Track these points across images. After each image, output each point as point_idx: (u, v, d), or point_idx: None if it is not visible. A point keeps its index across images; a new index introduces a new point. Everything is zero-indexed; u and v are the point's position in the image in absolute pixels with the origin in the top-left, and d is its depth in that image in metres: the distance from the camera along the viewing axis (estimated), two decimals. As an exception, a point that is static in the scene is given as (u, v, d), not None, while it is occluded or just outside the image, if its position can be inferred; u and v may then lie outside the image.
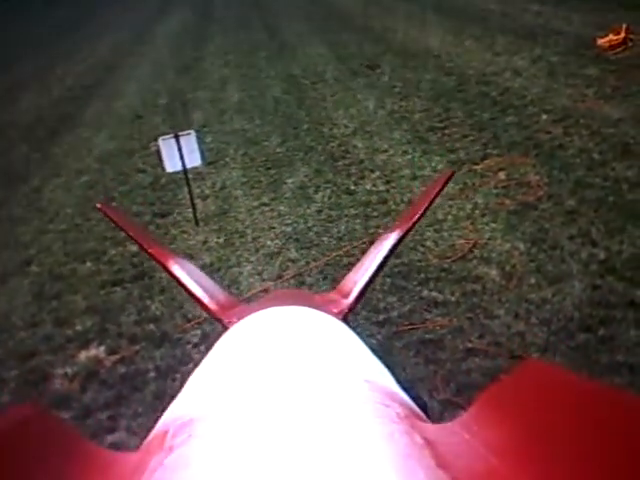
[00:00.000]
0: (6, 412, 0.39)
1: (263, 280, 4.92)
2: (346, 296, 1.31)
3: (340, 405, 0.41)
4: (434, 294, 4.46)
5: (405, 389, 0.88)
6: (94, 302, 4.93)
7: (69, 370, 4.23)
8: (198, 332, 4.41)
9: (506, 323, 4.05)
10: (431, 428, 0.43)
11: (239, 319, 0.67)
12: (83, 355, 4.38)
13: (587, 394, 0.38)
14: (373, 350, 3.40)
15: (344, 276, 4.79)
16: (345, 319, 0.98)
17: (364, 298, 4.02)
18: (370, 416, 0.40)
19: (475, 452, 0.36)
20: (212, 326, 4.41)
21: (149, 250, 0.90)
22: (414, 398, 0.82)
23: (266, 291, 4.76)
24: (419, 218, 1.00)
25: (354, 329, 1.04)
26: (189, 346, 4.29)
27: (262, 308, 0.67)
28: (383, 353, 3.83)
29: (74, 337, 4.56)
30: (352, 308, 1.28)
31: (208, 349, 3.85)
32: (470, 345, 3.91)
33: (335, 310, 1.21)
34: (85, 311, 4.84)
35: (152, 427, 2.68)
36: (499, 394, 0.44)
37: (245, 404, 0.42)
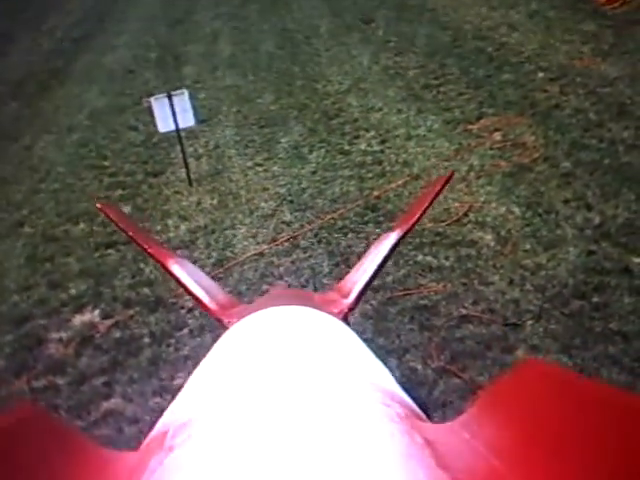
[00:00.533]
0: (6, 412, 0.37)
1: (257, 243, 4.89)
2: (346, 296, 1.29)
3: (340, 405, 0.40)
4: (429, 259, 4.44)
5: (405, 389, 0.87)
6: (88, 265, 4.90)
7: (64, 335, 4.21)
8: (192, 296, 4.39)
9: (500, 289, 4.04)
10: (431, 428, 0.42)
11: (239, 319, 0.65)
12: (77, 319, 4.36)
13: (587, 394, 0.36)
14: (368, 316, 3.36)
15: (338, 240, 4.81)
16: (345, 319, 0.95)
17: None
18: (370, 416, 0.39)
19: (475, 452, 0.35)
20: (206, 291, 4.39)
21: (149, 250, 0.87)
22: (414, 398, 0.80)
23: (261, 254, 4.74)
24: (419, 218, 0.97)
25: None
26: (183, 311, 4.27)
27: (262, 308, 0.65)
28: (378, 319, 3.83)
29: (68, 301, 4.54)
30: (352, 308, 1.25)
31: (202, 313, 3.82)
32: (464, 312, 3.90)
33: (335, 310, 1.17)
34: (79, 274, 4.81)
35: (147, 394, 2.65)
36: (499, 394, 0.43)
37: (245, 404, 0.41)
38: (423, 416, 0.50)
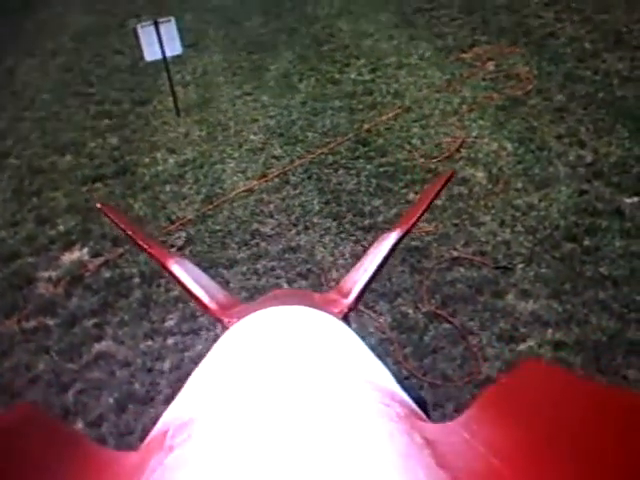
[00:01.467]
0: (6, 412, 0.37)
1: (247, 179, 4.77)
2: (346, 296, 1.24)
3: (340, 405, 0.39)
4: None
5: (405, 389, 0.81)
6: (76, 200, 4.77)
7: (53, 274, 4.14)
8: (182, 234, 4.31)
9: (491, 231, 3.97)
10: (431, 428, 0.40)
11: (239, 319, 0.61)
12: (66, 257, 4.28)
13: (586, 393, 0.35)
14: (359, 258, 3.28)
15: (329, 176, 4.70)
16: (345, 319, 0.90)
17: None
18: (370, 416, 0.38)
19: (475, 452, 0.34)
20: (196, 228, 4.31)
21: (149, 250, 0.83)
22: (414, 398, 0.75)
23: (250, 191, 4.63)
24: (419, 218, 0.93)
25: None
26: (174, 249, 4.19)
27: (262, 308, 0.61)
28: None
29: (57, 238, 4.44)
30: (352, 308, 1.24)
31: (192, 252, 3.74)
32: (455, 254, 3.84)
33: (335, 310, 1.15)
34: (67, 209, 4.69)
35: (138, 336, 2.58)
36: (499, 394, 0.41)
37: (245, 404, 0.39)
38: (423, 416, 0.47)
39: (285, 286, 3.77)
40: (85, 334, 3.63)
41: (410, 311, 3.49)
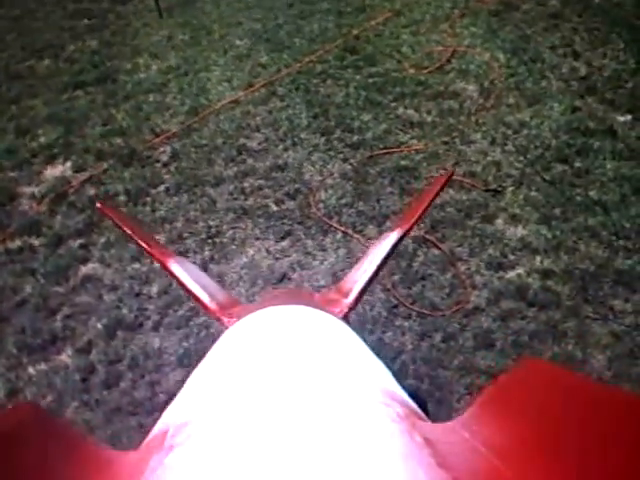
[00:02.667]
0: (6, 413, 0.42)
1: (233, 89, 4.52)
2: (346, 295, 1.22)
3: (340, 405, 0.38)
4: (410, 112, 4.15)
5: (404, 387, 0.80)
6: (56, 109, 4.51)
7: (36, 190, 3.95)
8: (167, 149, 4.11)
9: (482, 150, 3.81)
10: (431, 427, 0.40)
11: (239, 318, 0.58)
12: (49, 172, 4.08)
13: (586, 393, 0.34)
14: (348, 177, 3.15)
15: (317, 87, 4.47)
16: (345, 318, 0.86)
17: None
18: (371, 416, 0.37)
19: (475, 451, 0.33)
20: (181, 142, 4.12)
21: (149, 250, 0.78)
22: (414, 397, 0.75)
23: (236, 102, 4.40)
24: (419, 218, 0.89)
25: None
26: (158, 165, 4.01)
27: (262, 307, 0.59)
28: (357, 181, 3.63)
29: (38, 150, 4.22)
30: (352, 308, 1.21)
31: (178, 169, 3.58)
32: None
33: (335, 309, 1.12)
34: (47, 119, 4.44)
35: (125, 259, 2.48)
36: (498, 393, 0.42)
37: (245, 404, 0.38)
38: (423, 416, 0.46)
39: (273, 207, 3.63)
40: (71, 256, 3.51)
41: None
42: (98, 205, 1.02)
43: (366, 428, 0.35)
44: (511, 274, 3.14)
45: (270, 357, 0.48)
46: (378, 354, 2.50)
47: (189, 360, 2.92)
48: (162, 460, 0.34)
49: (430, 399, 2.63)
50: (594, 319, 2.90)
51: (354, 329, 2.73)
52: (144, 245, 0.83)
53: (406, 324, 2.96)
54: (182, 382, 2.42)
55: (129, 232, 0.86)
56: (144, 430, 2.67)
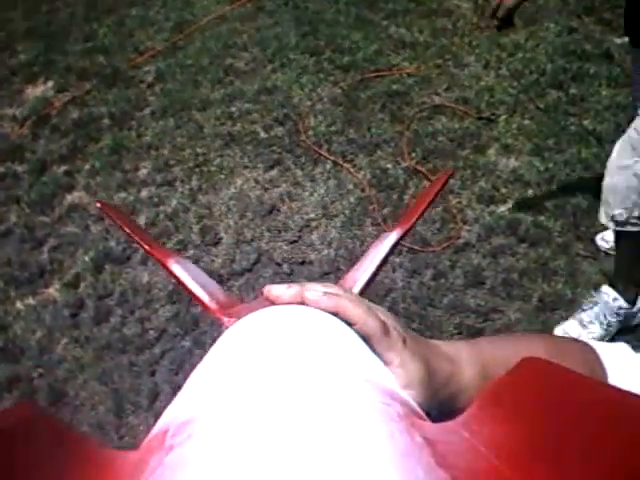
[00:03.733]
0: (5, 411, 0.31)
1: (218, 2, 4.20)
2: None
3: (340, 404, 0.33)
4: (402, 31, 3.87)
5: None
6: (35, 23, 4.20)
7: (17, 111, 3.71)
8: (151, 68, 3.84)
9: (476, 74, 3.58)
10: (431, 427, 0.35)
11: (239, 318, 0.54)
12: (30, 92, 3.82)
13: (588, 393, 0.30)
14: (338, 102, 2.96)
15: (306, 1, 4.16)
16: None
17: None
18: (370, 415, 0.33)
19: (475, 451, 0.29)
20: (166, 62, 3.85)
21: (149, 250, 0.74)
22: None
23: (222, 18, 4.10)
24: (419, 217, 0.81)
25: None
26: (143, 86, 3.75)
27: (262, 307, 0.54)
28: (348, 106, 3.42)
29: (18, 68, 3.95)
30: None
31: (163, 91, 3.35)
32: (437, 100, 3.48)
33: None
34: (27, 34, 4.14)
35: (111, 187, 2.33)
36: (499, 393, 0.36)
37: (245, 403, 0.34)
38: (423, 415, 0.40)
39: (261, 133, 3.43)
40: (56, 183, 3.32)
41: (390, 166, 3.21)
42: (98, 205, 0.95)
43: (365, 427, 0.31)
44: (502, 209, 3.00)
45: (270, 357, 0.43)
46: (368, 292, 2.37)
47: (179, 296, 2.80)
48: (162, 460, 0.30)
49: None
50: (584, 257, 2.78)
51: (344, 266, 2.61)
52: (144, 245, 0.78)
53: (396, 260, 2.84)
54: (172, 319, 2.28)
55: (130, 233, 0.79)
56: (134, 369, 2.58)
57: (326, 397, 0.34)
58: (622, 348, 0.64)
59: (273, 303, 0.52)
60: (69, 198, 3.26)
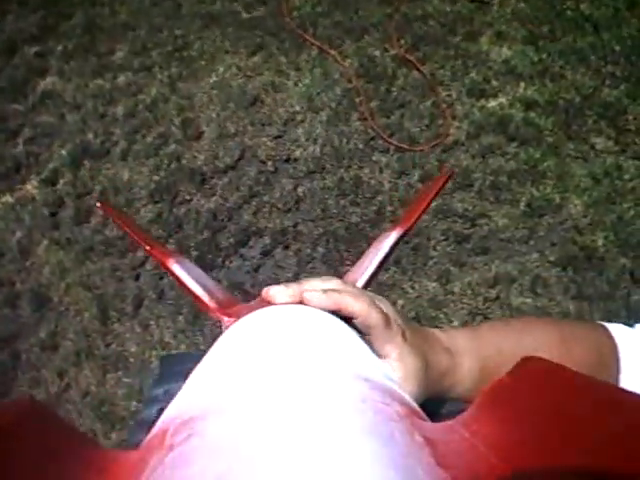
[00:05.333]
0: (3, 407, 0.28)
1: None
2: None
3: (340, 404, 0.31)
4: None
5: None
6: None
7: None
8: None
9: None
10: (431, 427, 0.32)
11: (239, 318, 0.52)
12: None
13: (589, 393, 0.28)
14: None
15: None
16: (345, 318, 0.71)
17: None
18: (370, 415, 0.30)
19: (476, 451, 0.28)
20: None
21: (150, 250, 0.63)
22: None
23: None
24: (419, 217, 0.71)
25: None
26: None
27: (262, 306, 0.51)
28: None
29: None
30: None
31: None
32: (429, -22, 3.07)
33: None
34: None
35: (86, 73, 2.08)
36: (499, 393, 0.32)
37: (244, 403, 0.31)
38: (423, 414, 0.36)
39: (243, 13, 3.02)
40: (28, 67, 2.93)
41: (377, 54, 2.86)
42: (98, 204, 0.84)
43: (365, 427, 0.29)
44: (493, 103, 2.71)
45: (270, 357, 0.40)
46: (355, 194, 2.15)
47: (160, 195, 2.56)
48: (162, 459, 0.27)
49: (406, 246, 2.36)
50: (575, 158, 2.55)
51: (330, 164, 2.39)
52: (144, 245, 0.71)
53: (383, 159, 2.58)
54: (155, 220, 2.06)
55: (130, 233, 0.73)
56: (118, 274, 2.39)
57: (325, 397, 0.32)
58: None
59: (272, 303, 0.49)
60: (42, 84, 2.89)
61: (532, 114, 2.63)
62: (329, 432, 0.27)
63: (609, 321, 0.60)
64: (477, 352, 0.51)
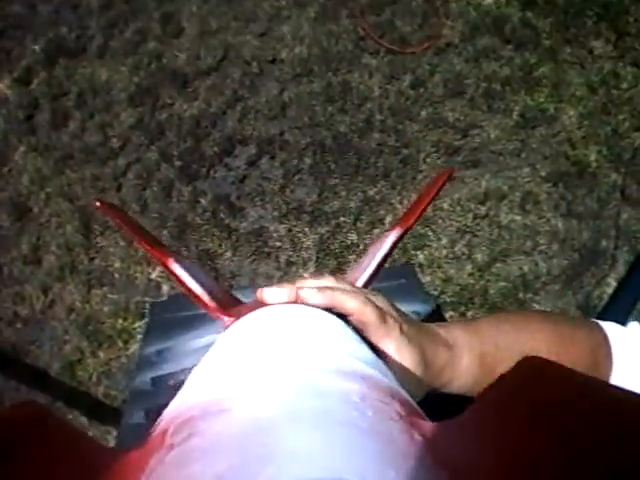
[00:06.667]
0: (6, 410, 0.27)
1: None
2: None
3: (339, 403, 0.30)
4: None
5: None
6: None
7: None
8: None
9: None
10: (431, 426, 0.30)
11: (238, 317, 0.51)
12: None
13: (589, 393, 0.26)
14: None
15: None
16: (345, 317, 0.67)
17: None
18: (369, 414, 0.29)
19: (475, 451, 0.26)
20: None
21: (149, 249, 0.53)
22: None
23: None
24: (419, 216, 0.61)
25: None
26: None
27: (262, 306, 0.50)
28: None
29: None
30: None
31: None
32: None
33: None
34: None
35: None
36: (499, 393, 0.30)
37: (245, 402, 0.30)
38: (423, 414, 0.34)
39: None
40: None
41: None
42: (98, 204, 0.66)
43: (365, 427, 0.27)
44: (489, 1, 2.42)
45: (270, 356, 0.37)
46: (343, 100, 1.95)
47: (142, 99, 2.31)
48: (162, 459, 0.26)
49: (395, 158, 2.18)
50: (572, 64, 2.30)
51: (317, 67, 2.17)
52: (145, 244, 0.66)
53: (373, 62, 2.32)
54: (136, 126, 1.86)
55: (130, 232, 0.68)
56: (99, 183, 2.20)
57: (325, 396, 0.30)
58: (635, 328, 0.54)
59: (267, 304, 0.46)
60: None
61: (529, 14, 2.36)
62: (329, 432, 0.25)
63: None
64: (476, 347, 0.48)
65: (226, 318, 0.53)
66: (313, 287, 0.45)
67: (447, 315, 1.71)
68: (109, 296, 1.84)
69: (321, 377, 0.32)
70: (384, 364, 0.43)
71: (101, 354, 1.74)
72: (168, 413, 0.32)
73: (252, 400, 0.29)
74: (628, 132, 2.09)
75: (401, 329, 0.45)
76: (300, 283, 0.47)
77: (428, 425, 0.30)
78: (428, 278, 1.81)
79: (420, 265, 1.82)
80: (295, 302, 0.46)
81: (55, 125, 2.21)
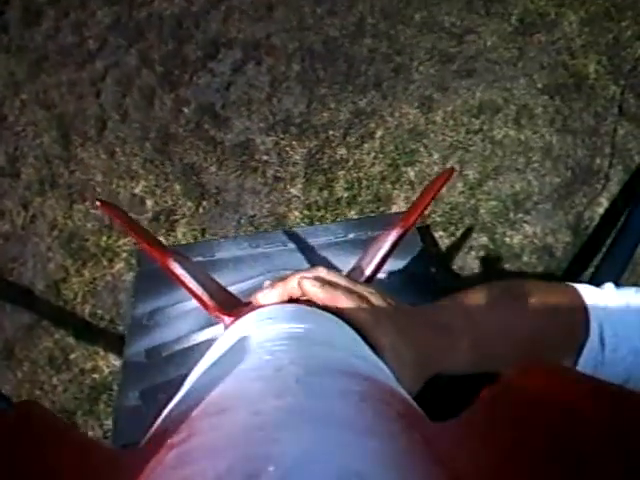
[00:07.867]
0: (3, 411, 0.28)
1: None
2: None
3: (339, 403, 0.29)
4: None
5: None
6: None
7: None
8: None
9: None
10: (431, 426, 0.30)
11: (238, 317, 0.50)
12: None
13: (590, 394, 0.25)
14: None
15: None
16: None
17: None
18: (369, 414, 0.28)
19: (475, 451, 0.25)
20: None
21: (150, 249, 0.59)
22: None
23: None
24: (419, 216, 0.64)
25: None
26: None
27: (262, 306, 0.49)
28: None
29: None
30: None
31: None
32: None
33: None
34: None
35: None
36: (499, 393, 0.29)
37: (244, 402, 0.29)
38: (423, 414, 0.33)
39: None
40: None
41: None
42: (98, 204, 0.53)
43: (364, 427, 0.25)
44: None
45: (270, 356, 0.34)
46: (332, 1, 1.75)
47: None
48: (162, 459, 0.24)
49: (388, 65, 1.98)
50: (576, -37, 2.07)
51: None
52: (145, 244, 0.61)
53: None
54: (113, 26, 1.67)
55: (130, 232, 0.63)
56: (77, 89, 1.99)
57: (325, 396, 0.29)
58: (609, 289, 0.52)
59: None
60: None
61: None
62: (329, 432, 0.24)
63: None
64: (473, 331, 0.46)
65: (226, 318, 0.52)
66: (319, 280, 0.43)
67: (437, 235, 1.61)
68: (92, 212, 1.70)
69: (321, 377, 0.30)
70: (383, 363, 0.41)
71: (86, 272, 1.62)
72: (167, 413, 0.30)
73: (252, 400, 0.27)
74: (630, 41, 1.90)
75: (397, 326, 0.42)
76: (293, 278, 0.44)
77: (428, 425, 0.28)
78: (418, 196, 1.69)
79: (410, 182, 1.69)
80: (291, 298, 0.44)
81: (27, 23, 1.96)
